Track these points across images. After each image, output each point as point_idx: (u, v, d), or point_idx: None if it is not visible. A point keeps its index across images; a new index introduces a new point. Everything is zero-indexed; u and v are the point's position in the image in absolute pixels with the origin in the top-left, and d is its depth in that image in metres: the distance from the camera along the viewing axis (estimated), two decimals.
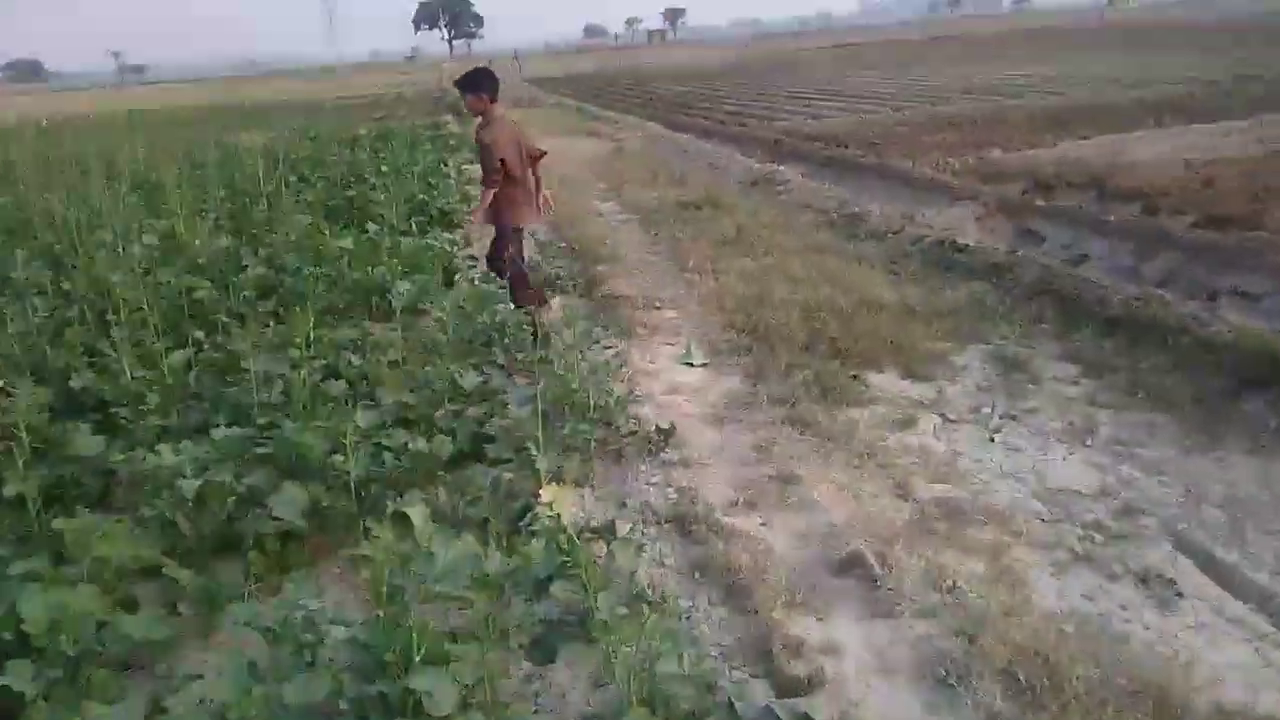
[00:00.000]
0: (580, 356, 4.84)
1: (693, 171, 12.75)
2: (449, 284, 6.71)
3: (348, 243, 7.04)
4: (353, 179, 11.18)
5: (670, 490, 3.93)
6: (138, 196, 9.54)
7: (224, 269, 6.48)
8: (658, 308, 6.49)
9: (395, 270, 6.46)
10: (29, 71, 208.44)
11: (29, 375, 4.80)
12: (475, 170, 14.35)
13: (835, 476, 3.99)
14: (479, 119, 5.73)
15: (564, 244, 8.60)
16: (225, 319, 5.63)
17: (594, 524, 3.64)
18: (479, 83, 5.61)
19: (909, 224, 8.41)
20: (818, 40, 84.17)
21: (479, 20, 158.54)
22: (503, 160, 5.55)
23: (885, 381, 5.09)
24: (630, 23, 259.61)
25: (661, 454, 4.24)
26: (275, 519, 3.50)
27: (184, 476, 3.55)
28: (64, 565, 3.16)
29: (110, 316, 5.34)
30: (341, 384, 4.77)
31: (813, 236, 8.41)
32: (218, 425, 4.50)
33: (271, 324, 5.69)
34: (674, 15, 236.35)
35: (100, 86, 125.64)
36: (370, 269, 6.58)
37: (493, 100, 5.64)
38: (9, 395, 4.21)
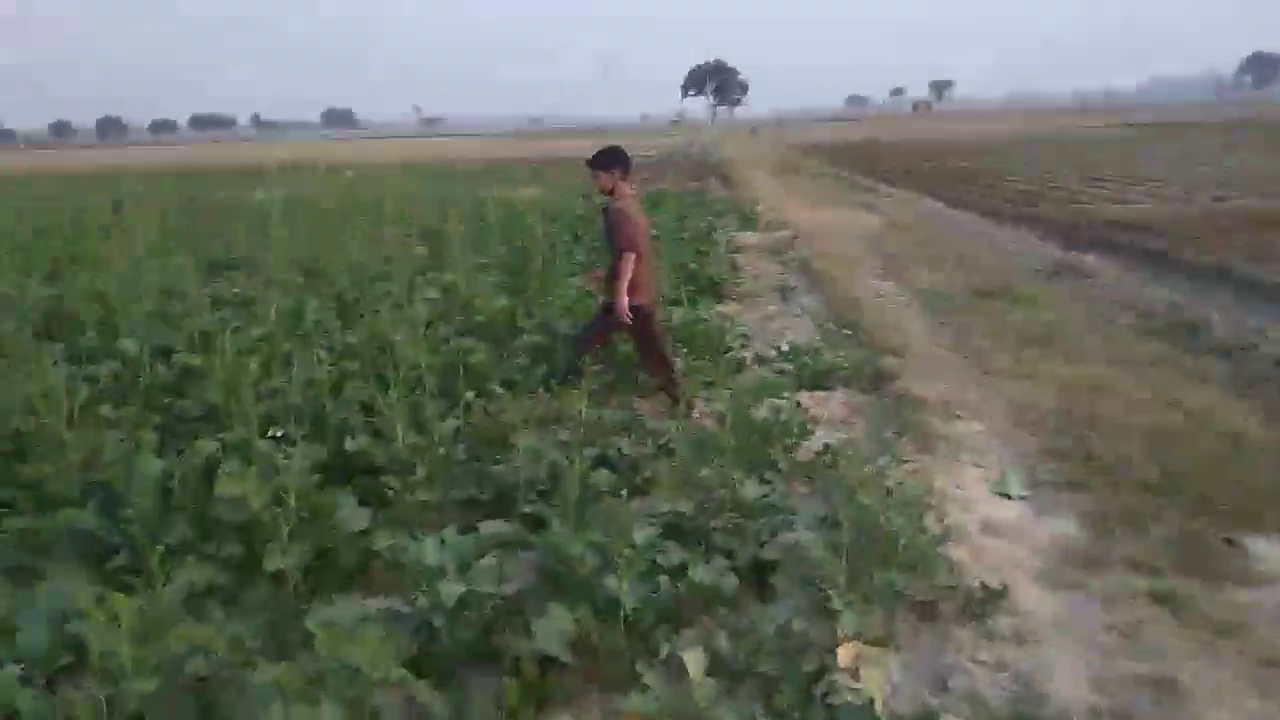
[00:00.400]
0: (878, 473, 4.12)
1: (980, 254, 11.68)
2: (736, 369, 6.23)
3: None
4: None
5: (1004, 676, 3.11)
6: (424, 247, 9.87)
7: (500, 332, 6.35)
8: (959, 417, 5.64)
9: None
10: (342, 120, 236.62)
11: (308, 426, 4.75)
12: (744, 237, 14.15)
13: (1236, 693, 3.00)
14: (610, 196, 5.58)
15: (844, 329, 7.90)
16: (498, 387, 5.41)
17: (906, 709, 2.91)
18: (612, 160, 5.54)
19: (1264, 340, 7.02)
20: (1101, 118, 78.71)
21: (744, 88, 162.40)
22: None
23: (1273, 552, 3.97)
24: (895, 93, 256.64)
25: (988, 620, 3.43)
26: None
27: (445, 578, 3.19)
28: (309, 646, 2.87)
29: (389, 373, 5.26)
30: (611, 475, 4.35)
31: (1139, 345, 7.20)
32: (482, 498, 4.21)
33: (540, 392, 5.44)
34: (941, 87, 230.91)
35: (402, 136, 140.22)
36: None
37: (624, 178, 5.57)
38: (286, 451, 4.09)
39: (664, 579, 3.39)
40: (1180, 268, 10.19)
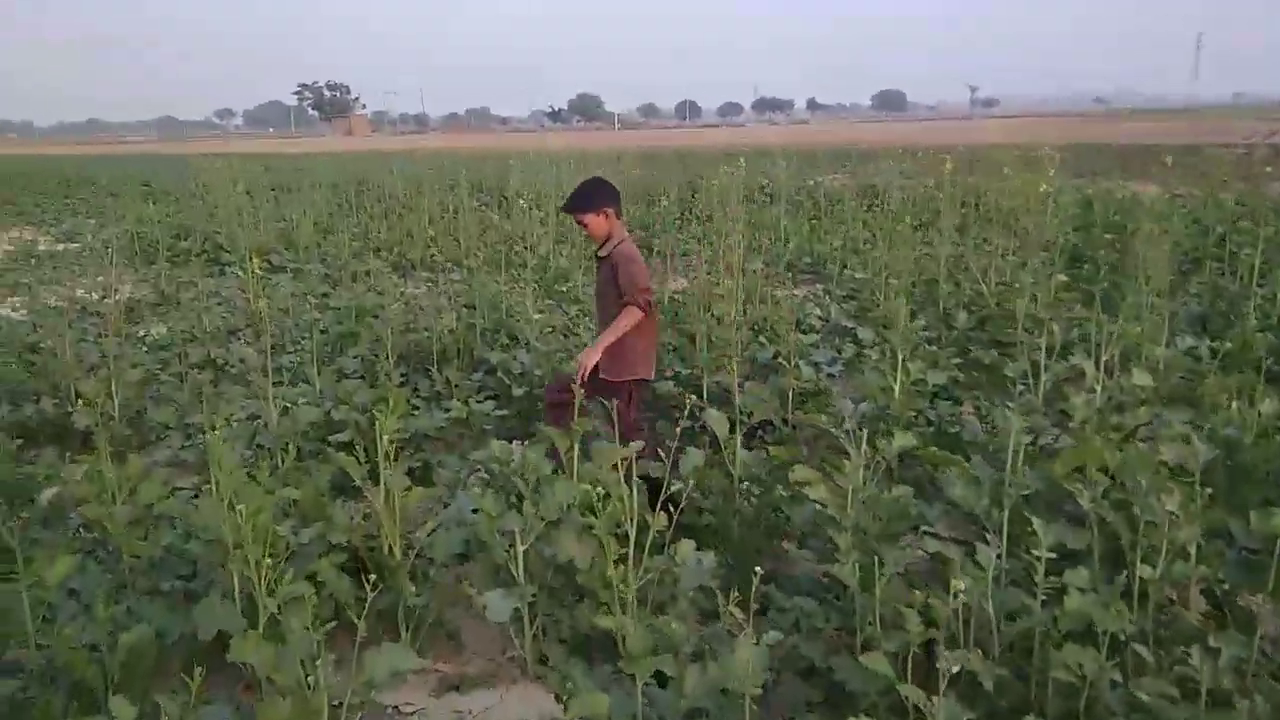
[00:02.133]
0: None
1: None
2: None
3: None
4: None
5: None
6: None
7: None
8: None
9: None
10: (895, 101, 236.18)
11: None
12: None
13: None
14: (606, 243, 4.42)
15: None
16: None
17: None
18: (594, 198, 4.39)
19: None
20: None
21: None
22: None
23: None
24: None
25: None
26: None
27: None
28: None
29: None
30: None
31: None
32: None
33: None
34: None
35: (954, 118, 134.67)
36: None
37: (618, 215, 4.44)
38: None
39: None
40: None
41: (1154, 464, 3.29)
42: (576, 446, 3.50)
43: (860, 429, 3.33)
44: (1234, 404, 4.03)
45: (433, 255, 11.51)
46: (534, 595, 3.27)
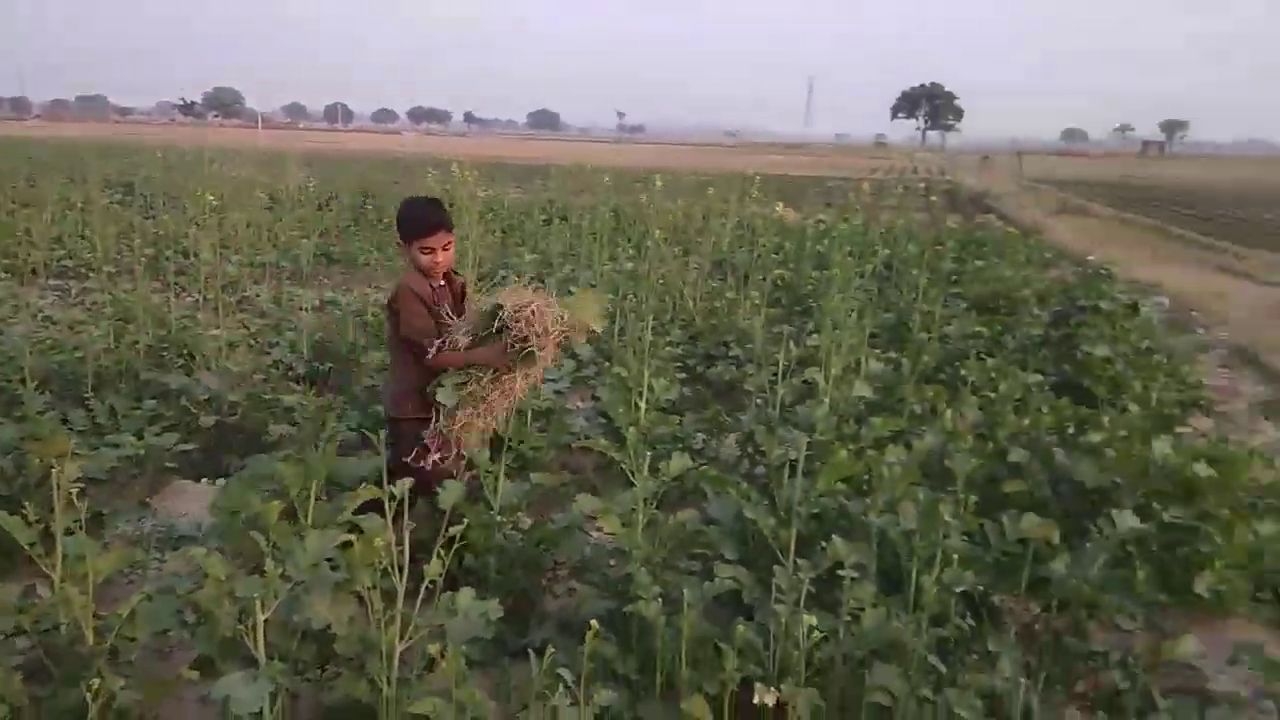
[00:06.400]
0: None
1: None
2: None
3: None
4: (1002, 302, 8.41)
5: None
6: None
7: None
8: None
9: None
10: (549, 121, 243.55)
11: None
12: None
13: None
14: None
15: None
16: None
17: None
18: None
19: None
20: None
21: (959, 114, 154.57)
22: None
23: None
24: (1120, 130, 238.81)
25: None
26: None
27: None
28: None
29: None
30: None
31: None
32: None
33: None
34: (1172, 128, 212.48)
35: (602, 140, 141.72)
36: None
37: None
38: None
39: None
40: None
41: (916, 474, 3.46)
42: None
43: (642, 453, 3.16)
44: (946, 411, 4.39)
45: (60, 260, 9.74)
46: (280, 673, 2.70)
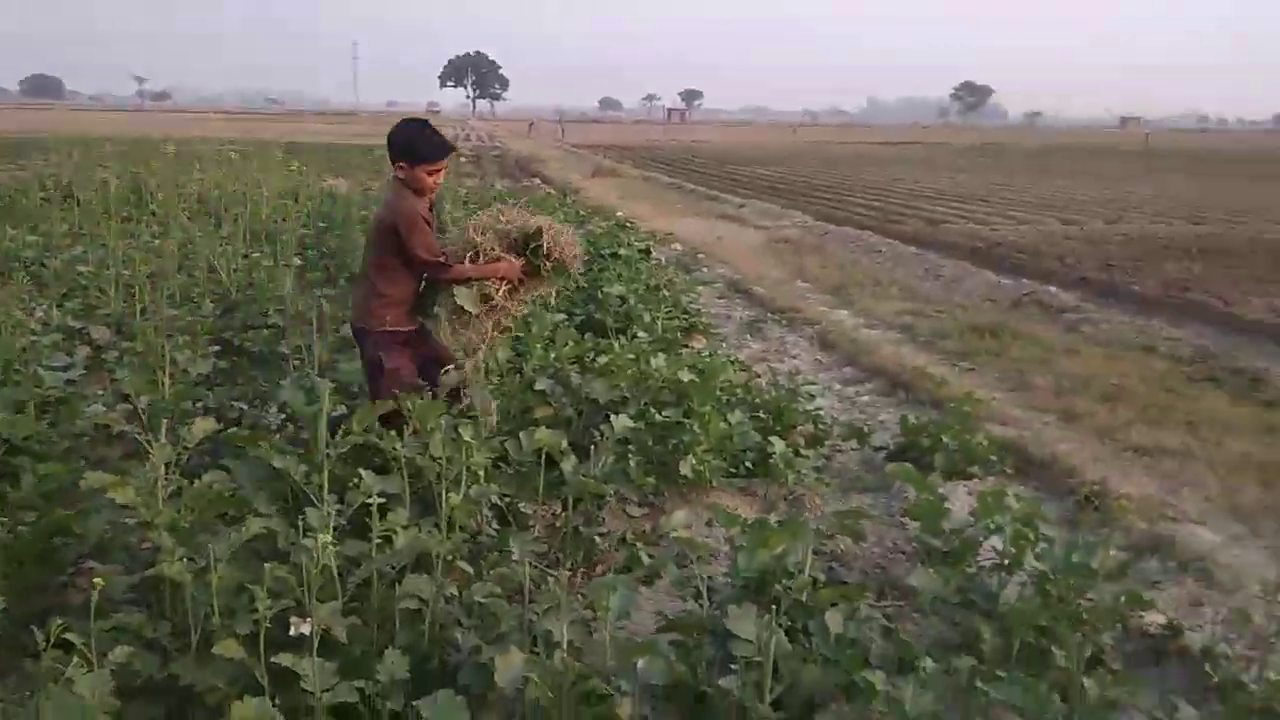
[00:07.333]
0: None
1: (912, 280, 10.83)
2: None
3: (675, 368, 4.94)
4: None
5: None
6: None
7: None
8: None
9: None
10: (49, 88, 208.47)
11: None
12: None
13: None
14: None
15: (898, 387, 6.51)
16: None
17: None
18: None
19: None
20: (843, 135, 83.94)
21: (504, 82, 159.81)
22: None
23: None
24: (649, 99, 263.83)
25: None
26: None
27: None
28: None
29: None
30: None
31: (1203, 401, 6.36)
32: None
33: None
34: (691, 96, 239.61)
35: (121, 109, 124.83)
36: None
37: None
38: None
39: None
40: (1131, 298, 9.80)
41: (443, 408, 3.75)
42: None
43: (159, 424, 3.06)
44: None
45: None
46: None
